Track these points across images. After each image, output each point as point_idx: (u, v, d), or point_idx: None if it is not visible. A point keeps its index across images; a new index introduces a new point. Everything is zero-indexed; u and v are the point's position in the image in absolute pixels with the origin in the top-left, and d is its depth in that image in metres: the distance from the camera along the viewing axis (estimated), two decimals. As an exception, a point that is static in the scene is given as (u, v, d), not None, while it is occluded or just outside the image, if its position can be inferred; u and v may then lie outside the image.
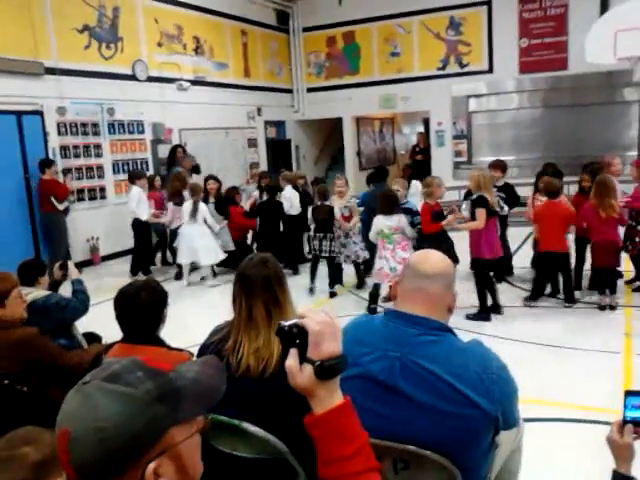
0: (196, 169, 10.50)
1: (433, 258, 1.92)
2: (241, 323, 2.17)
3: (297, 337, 1.08)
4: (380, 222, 6.18)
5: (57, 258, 8.47)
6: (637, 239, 6.22)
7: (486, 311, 5.90)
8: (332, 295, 7.05)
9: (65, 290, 4.04)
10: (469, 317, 5.83)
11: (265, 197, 8.39)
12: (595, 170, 6.57)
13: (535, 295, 6.29)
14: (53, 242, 8.45)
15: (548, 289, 6.42)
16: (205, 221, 7.78)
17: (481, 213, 5.75)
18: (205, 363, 1.04)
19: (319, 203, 7.21)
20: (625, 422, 1.65)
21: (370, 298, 6.36)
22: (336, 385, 1.10)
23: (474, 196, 5.90)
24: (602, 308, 5.94)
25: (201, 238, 7.67)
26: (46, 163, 8.33)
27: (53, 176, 8.40)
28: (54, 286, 3.96)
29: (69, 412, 0.88)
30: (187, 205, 7.81)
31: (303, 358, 1.07)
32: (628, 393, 1.67)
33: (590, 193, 6.02)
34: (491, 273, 6.08)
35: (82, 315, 3.73)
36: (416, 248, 5.71)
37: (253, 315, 2.15)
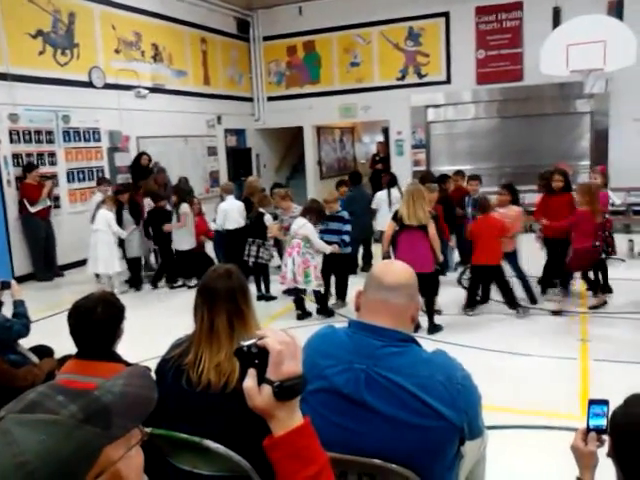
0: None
1: (396, 269, 1.90)
2: (202, 336, 2.10)
3: (256, 357, 1.05)
4: (292, 226, 6.46)
5: (38, 261, 8.76)
6: (597, 243, 6.40)
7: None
8: (260, 298, 7.14)
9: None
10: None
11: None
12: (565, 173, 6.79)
13: (471, 303, 6.44)
14: (30, 246, 8.84)
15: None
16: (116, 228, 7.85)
17: (388, 226, 6.00)
18: (131, 375, 0.97)
19: (254, 207, 7.44)
20: (589, 430, 1.66)
21: (295, 305, 6.52)
22: (296, 406, 1.07)
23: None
24: (557, 313, 6.10)
25: (101, 247, 7.68)
26: (27, 168, 8.72)
27: (35, 180, 8.70)
28: None
29: None
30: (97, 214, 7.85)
31: (262, 379, 1.04)
32: (591, 402, 1.68)
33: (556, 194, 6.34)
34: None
35: (23, 337, 3.57)
36: None
37: (215, 328, 2.09)
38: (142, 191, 8.79)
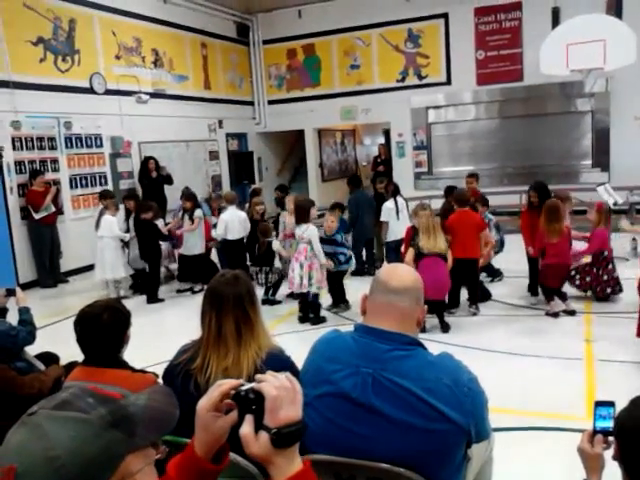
0: (168, 179, 10.47)
1: (401, 272, 1.90)
2: (210, 341, 2.12)
3: (253, 403, 1.03)
4: (295, 231, 6.47)
5: (43, 268, 8.79)
6: (588, 279, 6.42)
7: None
8: (265, 302, 6.98)
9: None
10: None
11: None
12: (541, 187, 6.65)
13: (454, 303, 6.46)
14: (35, 252, 8.82)
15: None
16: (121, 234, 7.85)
17: (407, 253, 5.96)
18: (154, 391, 1.01)
19: (261, 239, 7.29)
20: (595, 432, 1.65)
21: (300, 307, 6.52)
22: (295, 451, 1.04)
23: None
24: (555, 315, 6.05)
25: (107, 252, 7.71)
26: (33, 174, 8.77)
27: (41, 186, 8.73)
28: (0, 313, 3.75)
29: (15, 446, 0.82)
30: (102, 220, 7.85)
31: (259, 425, 1.01)
32: (597, 404, 1.68)
33: (538, 209, 6.21)
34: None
35: (29, 345, 3.57)
36: None
37: (223, 333, 2.10)
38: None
